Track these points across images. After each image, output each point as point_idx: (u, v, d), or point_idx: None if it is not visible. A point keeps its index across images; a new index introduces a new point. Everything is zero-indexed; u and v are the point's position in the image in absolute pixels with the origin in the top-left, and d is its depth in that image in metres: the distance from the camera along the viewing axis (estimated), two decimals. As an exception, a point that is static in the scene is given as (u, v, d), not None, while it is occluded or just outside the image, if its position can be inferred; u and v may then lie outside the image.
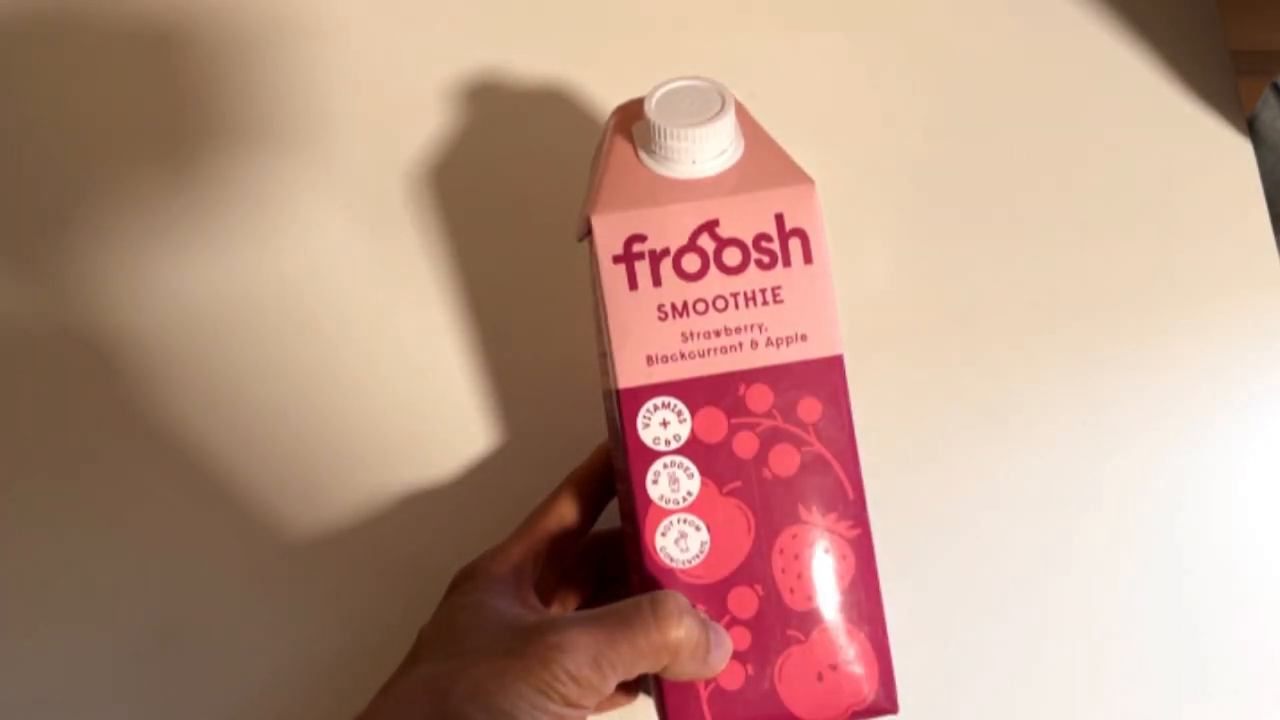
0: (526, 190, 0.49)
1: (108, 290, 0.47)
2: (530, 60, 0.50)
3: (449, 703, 0.32)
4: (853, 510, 0.36)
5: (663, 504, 0.36)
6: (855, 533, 0.36)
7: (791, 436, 0.36)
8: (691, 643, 0.34)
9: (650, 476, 0.36)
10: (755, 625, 0.36)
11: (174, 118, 0.49)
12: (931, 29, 0.51)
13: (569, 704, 0.32)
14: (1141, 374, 0.47)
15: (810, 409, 0.36)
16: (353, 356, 0.47)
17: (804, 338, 0.36)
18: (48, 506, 0.45)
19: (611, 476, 0.41)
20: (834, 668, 0.36)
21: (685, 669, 0.34)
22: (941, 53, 0.51)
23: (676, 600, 0.34)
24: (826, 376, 0.36)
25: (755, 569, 0.36)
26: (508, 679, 0.32)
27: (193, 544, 0.45)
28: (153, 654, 0.44)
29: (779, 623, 0.36)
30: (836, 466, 0.36)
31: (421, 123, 0.49)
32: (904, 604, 0.43)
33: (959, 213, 0.49)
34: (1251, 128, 0.50)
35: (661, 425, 0.36)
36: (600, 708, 0.40)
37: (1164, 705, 0.44)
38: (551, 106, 0.50)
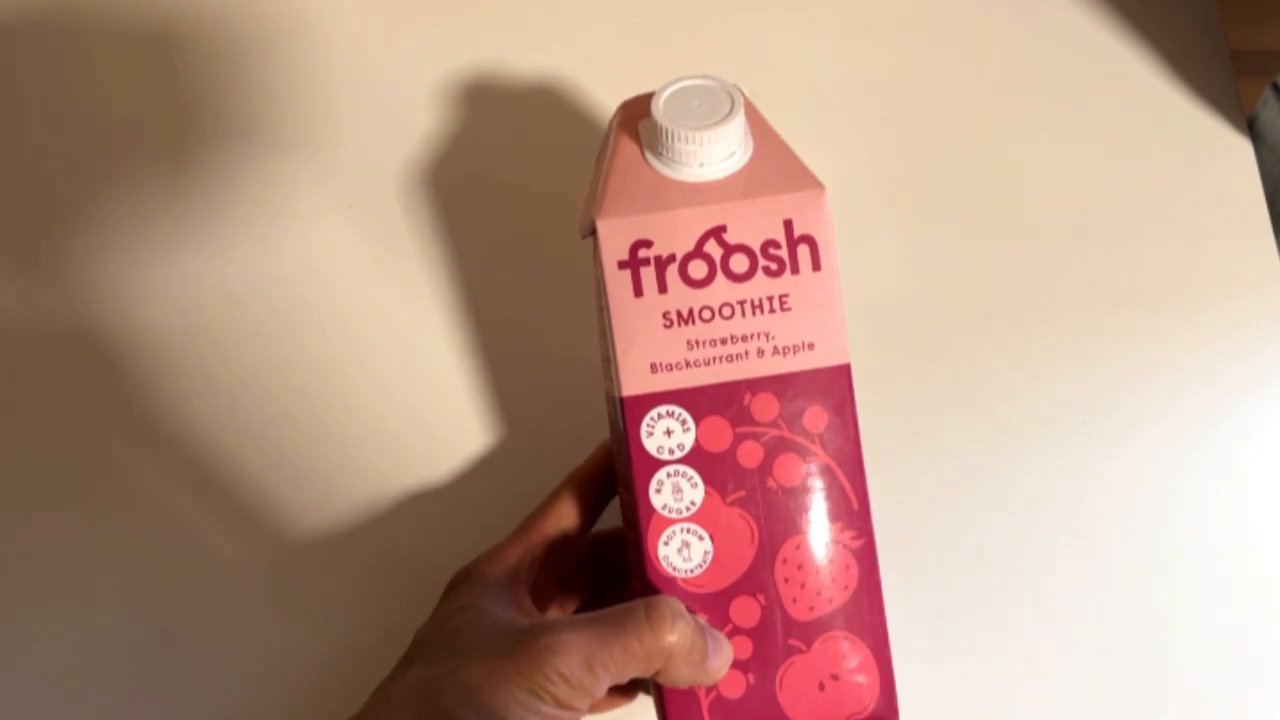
0: (526, 190, 0.48)
1: (108, 290, 0.47)
2: (529, 59, 0.50)
3: (441, 704, 0.32)
4: (857, 520, 0.36)
5: (665, 513, 0.36)
6: (859, 543, 0.36)
7: (796, 446, 0.36)
8: (685, 647, 0.34)
9: (653, 485, 0.36)
10: (757, 634, 0.36)
11: (174, 118, 0.48)
12: (933, 30, 0.51)
13: (560, 705, 0.32)
14: (1143, 374, 0.47)
15: (816, 419, 0.36)
16: (352, 356, 0.47)
17: (811, 346, 0.35)
18: (47, 506, 0.45)
19: (612, 477, 0.40)
20: (836, 677, 0.36)
21: (680, 673, 0.34)
22: (943, 54, 0.51)
23: (671, 605, 0.34)
24: (833, 385, 0.36)
25: (758, 579, 0.36)
26: (499, 680, 0.32)
27: (192, 543, 0.45)
28: (153, 654, 0.44)
29: (781, 632, 0.36)
30: (841, 476, 0.36)
31: (420, 123, 0.49)
32: (906, 613, 0.43)
33: (961, 217, 0.49)
34: (1251, 128, 0.50)
35: (665, 434, 0.35)
36: (597, 708, 0.40)
37: (1164, 705, 0.45)
38: (551, 106, 0.49)
